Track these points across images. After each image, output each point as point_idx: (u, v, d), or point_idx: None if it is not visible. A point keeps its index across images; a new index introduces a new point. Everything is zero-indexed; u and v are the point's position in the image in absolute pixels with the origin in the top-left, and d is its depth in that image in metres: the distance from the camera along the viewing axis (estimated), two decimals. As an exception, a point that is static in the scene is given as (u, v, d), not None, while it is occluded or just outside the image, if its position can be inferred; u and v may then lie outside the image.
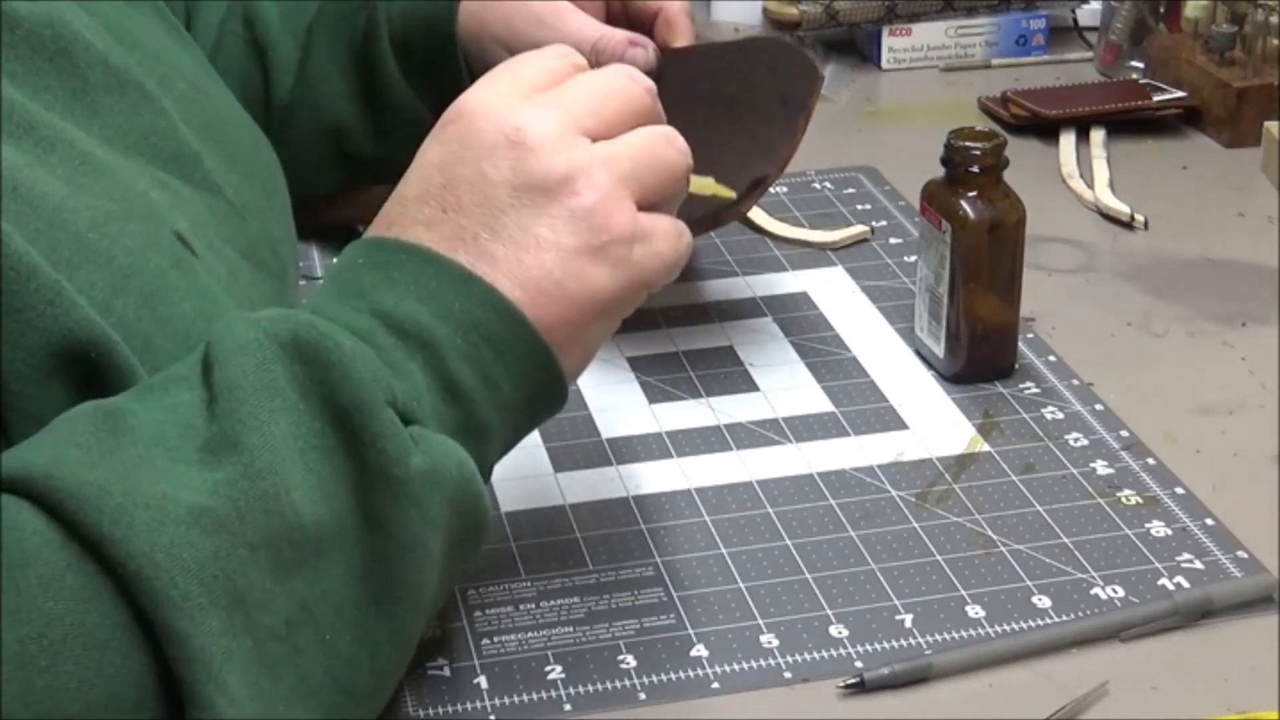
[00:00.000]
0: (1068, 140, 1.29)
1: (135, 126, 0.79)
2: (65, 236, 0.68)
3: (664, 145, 0.75)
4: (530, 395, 0.72)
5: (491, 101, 0.73)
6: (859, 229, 1.15)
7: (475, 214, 0.71)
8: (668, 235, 0.74)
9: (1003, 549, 0.83)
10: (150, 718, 0.59)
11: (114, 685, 0.59)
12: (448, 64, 1.05)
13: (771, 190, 1.22)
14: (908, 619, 0.79)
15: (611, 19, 1.05)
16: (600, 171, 0.72)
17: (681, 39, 1.04)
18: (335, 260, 0.74)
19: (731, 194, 0.86)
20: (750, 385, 0.98)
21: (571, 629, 0.78)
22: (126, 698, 0.59)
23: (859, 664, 0.76)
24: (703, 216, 0.95)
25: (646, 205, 0.73)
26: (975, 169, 0.94)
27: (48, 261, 0.66)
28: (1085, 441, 0.92)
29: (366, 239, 0.73)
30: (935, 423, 0.94)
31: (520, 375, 0.71)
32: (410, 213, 0.72)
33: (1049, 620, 0.78)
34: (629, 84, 0.75)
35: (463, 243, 0.71)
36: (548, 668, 0.76)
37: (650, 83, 0.76)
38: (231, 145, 0.89)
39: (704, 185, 0.81)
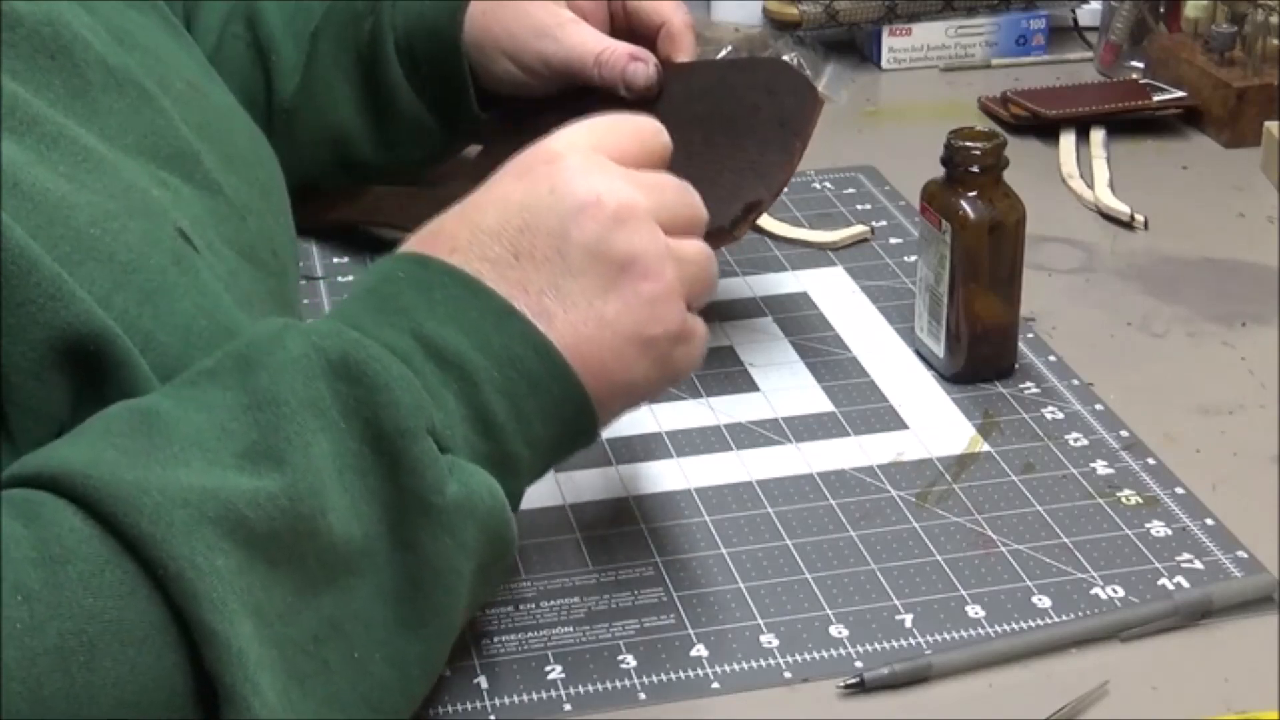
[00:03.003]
0: (1068, 140, 1.29)
1: (135, 125, 0.79)
2: (66, 232, 0.69)
3: (711, 259, 0.76)
4: (560, 432, 0.72)
5: (591, 160, 0.73)
6: (859, 229, 1.15)
7: (545, 269, 0.71)
8: (702, 340, 0.76)
9: (1003, 549, 0.83)
10: (183, 717, 0.60)
11: (150, 682, 0.59)
12: (452, 72, 1.05)
13: (771, 190, 1.22)
14: (908, 619, 0.79)
15: (615, 31, 1.05)
16: (670, 266, 0.73)
17: (684, 54, 1.04)
18: (372, 265, 0.73)
19: None
20: (750, 385, 0.98)
21: (571, 629, 0.78)
22: (161, 696, 0.59)
23: (859, 664, 0.76)
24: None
25: (689, 308, 0.75)
26: (975, 169, 0.94)
27: (50, 256, 0.67)
28: (1085, 441, 0.92)
29: (412, 253, 0.73)
30: (935, 423, 0.94)
31: (553, 413, 0.71)
32: (481, 245, 0.72)
33: (1049, 620, 0.78)
34: (696, 200, 0.76)
35: (525, 294, 0.71)
36: (548, 668, 0.76)
37: (702, 209, 0.77)
38: (230, 145, 0.89)
39: None
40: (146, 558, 0.59)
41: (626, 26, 1.05)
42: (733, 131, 0.99)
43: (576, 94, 1.02)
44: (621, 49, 1.01)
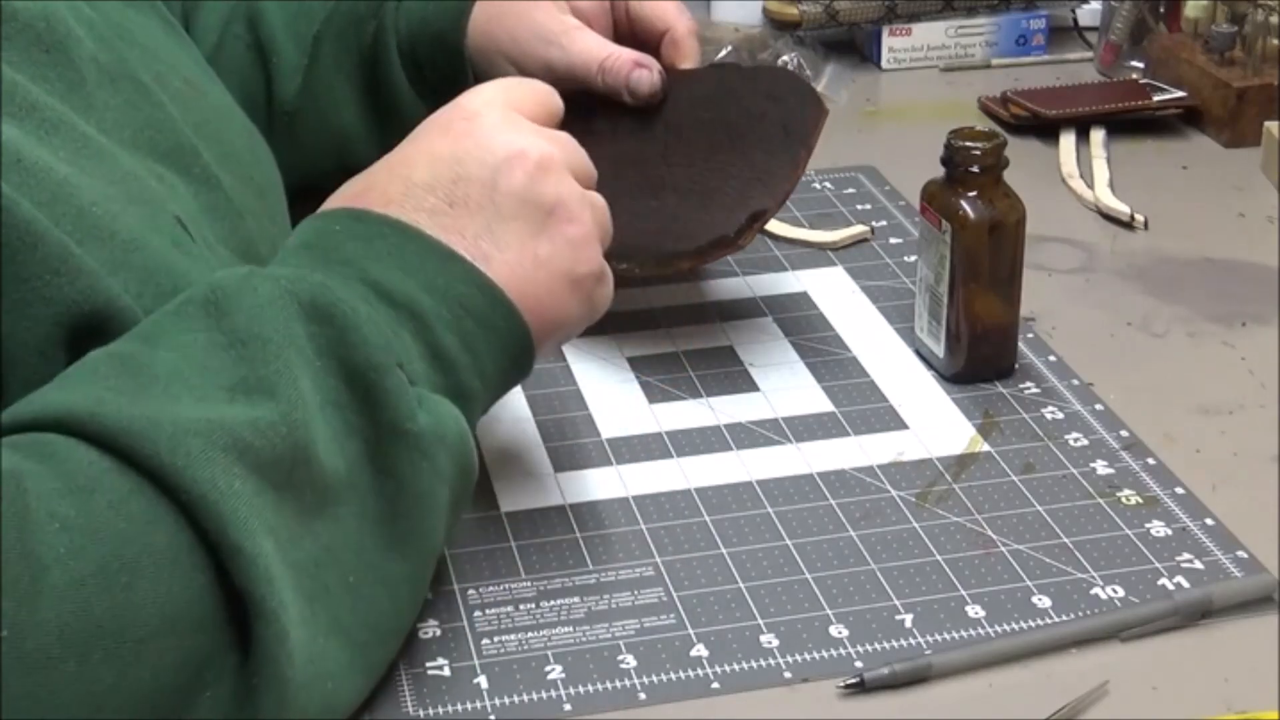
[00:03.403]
0: (1068, 140, 1.29)
1: (132, 120, 0.80)
2: (68, 209, 0.70)
3: (606, 210, 0.82)
4: (507, 366, 0.77)
5: (509, 116, 0.79)
6: (859, 229, 1.15)
7: (479, 215, 0.76)
8: (612, 282, 0.81)
9: (1003, 549, 0.83)
10: (219, 632, 0.63)
11: (187, 601, 0.62)
12: (455, 76, 1.05)
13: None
14: (908, 619, 0.79)
15: (619, 38, 1.05)
16: (588, 211, 0.79)
17: (687, 60, 1.04)
18: (301, 224, 0.76)
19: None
20: (750, 385, 0.98)
21: (571, 629, 0.78)
22: (198, 613, 0.62)
23: (859, 664, 0.76)
24: (697, 249, 0.95)
25: None
26: (975, 169, 0.94)
27: (55, 231, 0.68)
28: (1085, 441, 0.92)
29: (343, 209, 0.77)
30: (935, 423, 0.94)
31: (499, 348, 0.76)
32: (415, 198, 0.76)
33: (1049, 620, 0.78)
34: (586, 156, 0.82)
35: (462, 238, 0.76)
36: (548, 668, 0.76)
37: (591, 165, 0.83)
38: (227, 144, 0.89)
39: None
40: (169, 485, 0.62)
41: (630, 32, 1.05)
42: (738, 139, 0.99)
43: (579, 98, 1.02)
44: (625, 55, 1.02)
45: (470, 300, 0.75)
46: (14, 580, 0.58)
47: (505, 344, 0.76)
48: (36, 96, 0.73)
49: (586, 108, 1.01)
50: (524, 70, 1.04)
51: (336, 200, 0.78)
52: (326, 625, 0.67)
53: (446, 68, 1.05)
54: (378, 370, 0.70)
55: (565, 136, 0.81)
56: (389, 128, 1.09)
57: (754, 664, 0.76)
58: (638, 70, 1.01)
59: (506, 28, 1.04)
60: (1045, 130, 1.30)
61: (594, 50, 1.02)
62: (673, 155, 1.00)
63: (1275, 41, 1.28)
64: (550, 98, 0.83)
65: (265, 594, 0.63)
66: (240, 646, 0.64)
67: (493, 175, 0.77)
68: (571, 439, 0.93)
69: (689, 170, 0.99)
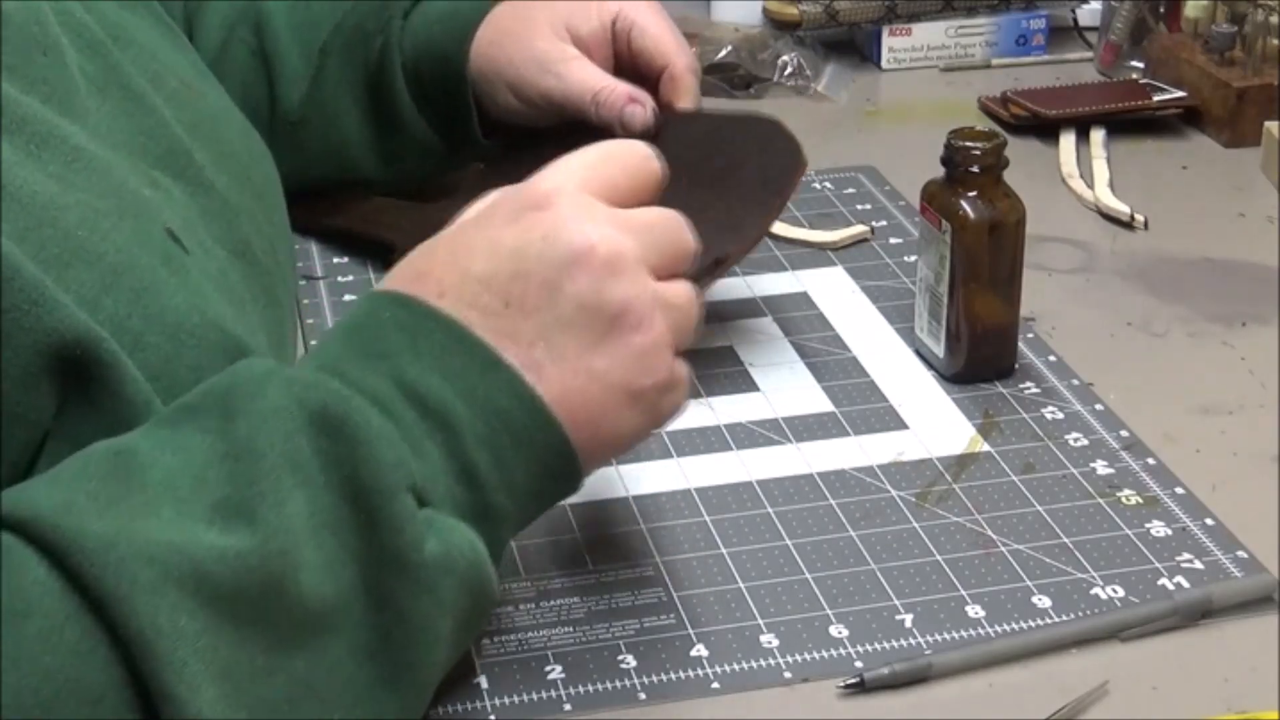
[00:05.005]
0: (1068, 140, 1.29)
1: (123, 126, 0.80)
2: (54, 234, 0.68)
3: (695, 302, 0.75)
4: (543, 485, 0.71)
5: (582, 205, 0.72)
6: (859, 229, 1.15)
7: (535, 319, 0.70)
8: (686, 386, 0.74)
9: (1003, 549, 0.83)
10: None
11: None
12: (457, 99, 1.05)
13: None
14: (908, 619, 0.79)
15: (619, 69, 1.05)
16: (660, 316, 0.72)
17: (684, 99, 1.04)
18: (356, 302, 0.73)
19: None
20: (750, 385, 0.98)
21: (571, 629, 0.78)
22: None
23: (859, 664, 0.76)
24: None
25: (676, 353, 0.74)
26: (975, 169, 0.94)
27: (35, 260, 0.66)
28: (1085, 441, 0.92)
29: (397, 294, 0.71)
30: (935, 423, 0.94)
31: (536, 466, 0.70)
32: (470, 292, 0.70)
33: (1049, 620, 0.78)
34: (687, 235, 0.75)
35: (514, 344, 0.70)
36: (548, 668, 0.76)
37: (692, 243, 0.75)
38: (223, 144, 0.89)
39: None
40: (108, 616, 0.59)
41: (631, 65, 1.05)
42: (716, 184, 0.99)
43: (573, 128, 1.03)
44: (621, 89, 1.02)
45: (511, 414, 0.69)
46: None
47: (544, 460, 0.70)
48: (27, 109, 0.72)
49: (579, 137, 1.02)
50: (523, 97, 1.04)
51: (393, 280, 0.73)
52: None
53: (448, 90, 1.06)
54: (384, 493, 0.65)
55: (652, 219, 0.73)
56: (391, 142, 1.10)
57: (754, 664, 0.76)
58: (631, 105, 1.01)
59: (507, 53, 1.04)
60: (1045, 130, 1.30)
61: (590, 81, 1.02)
62: None
63: (1275, 41, 1.28)
64: (646, 164, 0.75)
65: None
66: None
67: (555, 275, 0.70)
68: (571, 439, 0.93)
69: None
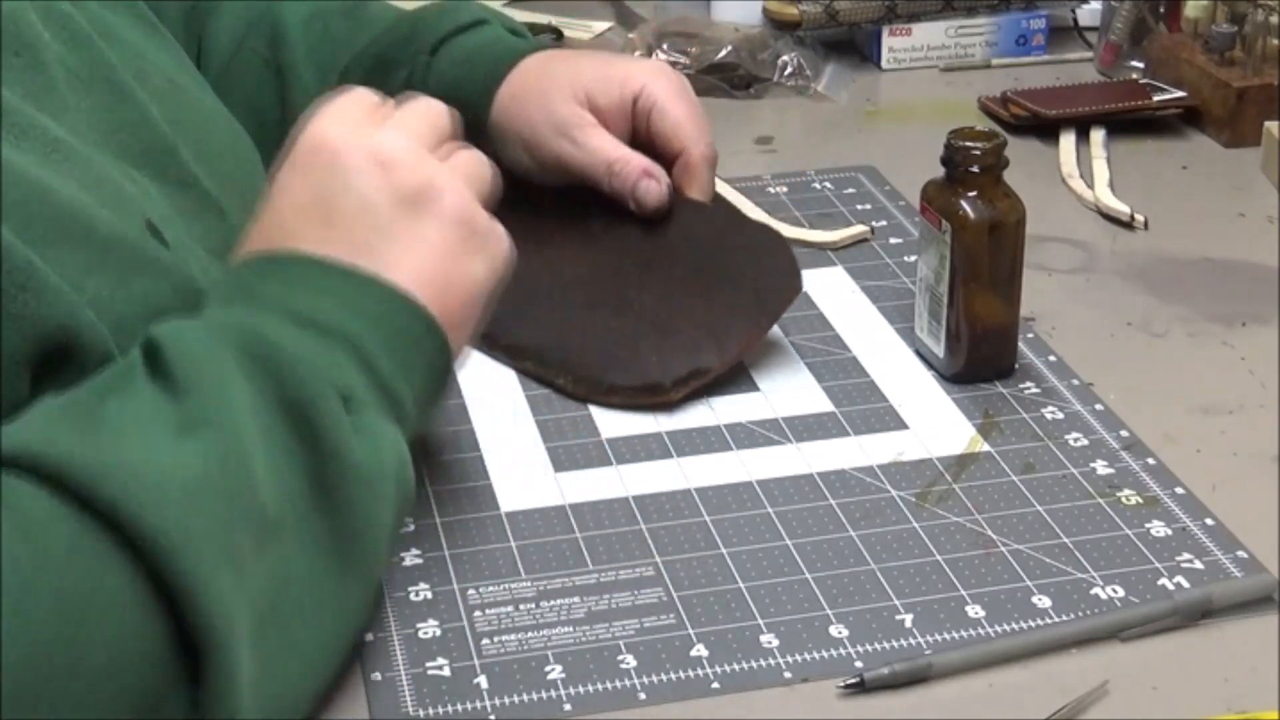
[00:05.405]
0: (1068, 140, 1.29)
1: (103, 122, 0.80)
2: (42, 211, 0.70)
3: (481, 162, 0.84)
4: (434, 384, 0.78)
5: (344, 133, 0.79)
6: (859, 229, 1.15)
7: (360, 225, 0.77)
8: (503, 232, 0.82)
9: (1003, 549, 0.83)
10: (172, 668, 0.63)
11: (140, 639, 0.62)
12: (474, 144, 1.05)
13: (771, 190, 1.22)
14: (908, 619, 0.79)
15: (636, 146, 1.04)
16: (455, 178, 0.80)
17: (696, 189, 1.03)
18: (213, 284, 0.77)
19: None
20: (750, 385, 0.98)
21: (571, 629, 0.78)
22: (151, 650, 0.62)
23: (859, 664, 0.76)
24: (631, 388, 0.95)
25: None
26: (975, 169, 0.94)
27: (21, 239, 0.68)
28: (1085, 441, 0.92)
29: (247, 257, 0.77)
30: (935, 423, 0.94)
31: (428, 365, 0.77)
32: (295, 230, 0.77)
33: (1049, 620, 0.78)
34: (439, 109, 0.84)
35: (356, 250, 0.77)
36: (548, 668, 0.76)
37: (448, 110, 0.84)
38: (209, 142, 0.89)
39: None
40: (120, 526, 0.62)
41: (648, 145, 1.04)
42: (710, 286, 0.99)
43: (585, 193, 1.03)
44: (636, 163, 1.01)
45: (396, 320, 0.76)
46: None
47: (433, 361, 0.77)
48: (8, 100, 0.73)
49: (590, 203, 1.02)
50: (537, 158, 1.04)
51: (232, 261, 0.79)
52: (281, 648, 0.67)
53: (467, 135, 1.05)
54: (314, 402, 0.70)
55: (403, 115, 0.82)
56: None
57: (754, 664, 0.76)
58: (646, 180, 1.01)
59: (526, 112, 1.04)
60: (1045, 130, 1.30)
61: (606, 151, 1.02)
62: (649, 280, 1.00)
63: (1275, 41, 1.28)
64: (366, 94, 0.83)
65: (218, 629, 0.63)
66: (193, 680, 0.64)
67: (354, 189, 0.78)
68: (571, 439, 0.93)
69: (658, 301, 0.99)
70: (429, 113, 0.83)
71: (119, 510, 0.62)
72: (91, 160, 0.76)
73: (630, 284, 1.00)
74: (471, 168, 0.82)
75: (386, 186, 0.78)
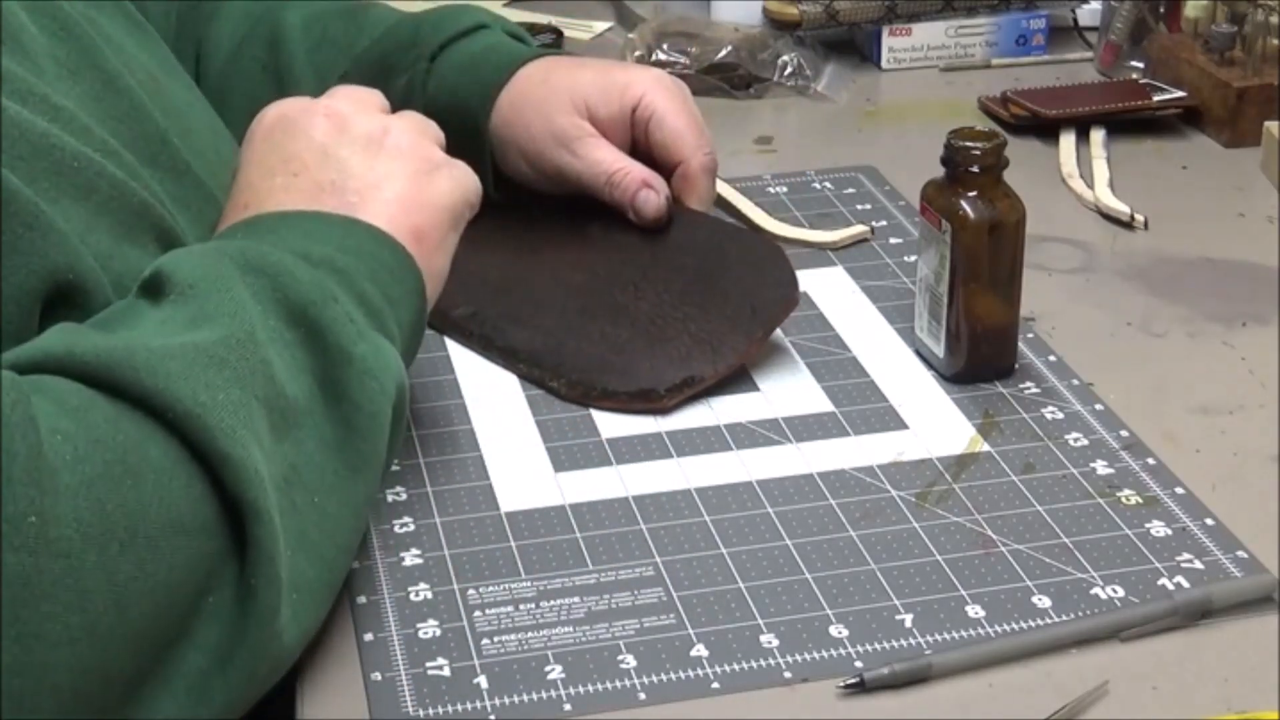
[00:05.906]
0: (1068, 140, 1.29)
1: (94, 111, 0.81)
2: (48, 165, 0.72)
3: (426, 119, 0.88)
4: (415, 315, 0.82)
5: (297, 104, 0.86)
6: (859, 229, 1.15)
7: (324, 168, 0.83)
8: (466, 166, 0.87)
9: (1003, 549, 0.83)
10: (222, 538, 0.67)
11: (190, 505, 0.65)
12: (474, 155, 1.05)
13: (771, 190, 1.22)
14: (908, 619, 0.79)
15: (635, 155, 1.04)
16: (403, 123, 0.86)
17: (695, 199, 1.04)
18: (203, 251, 0.78)
19: None
20: (750, 385, 0.98)
21: (571, 629, 0.78)
22: (201, 517, 0.66)
23: (859, 664, 0.76)
24: (625, 393, 0.95)
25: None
26: (975, 169, 0.94)
27: (29, 190, 0.70)
28: (1085, 441, 0.92)
29: (231, 225, 0.81)
30: (935, 423, 0.94)
31: (408, 294, 0.81)
32: (262, 190, 0.82)
33: (1049, 620, 0.78)
34: (375, 92, 0.89)
35: (323, 193, 0.82)
36: (548, 668, 0.76)
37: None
38: (193, 137, 0.90)
39: None
40: (154, 406, 0.65)
41: (647, 154, 1.05)
42: (707, 297, 0.99)
43: (586, 202, 1.03)
44: (635, 174, 1.02)
45: (378, 254, 0.80)
46: (32, 475, 0.60)
47: (412, 290, 0.81)
48: (8, 68, 0.74)
49: (589, 211, 1.03)
50: (537, 168, 1.05)
51: (215, 233, 0.83)
52: (295, 539, 0.70)
53: (467, 144, 1.05)
54: (316, 305, 0.74)
55: (338, 98, 0.87)
56: None
57: (754, 664, 0.76)
58: (645, 191, 1.02)
59: (526, 121, 1.04)
60: (1045, 130, 1.30)
61: (606, 162, 1.03)
62: (644, 287, 1.00)
63: (1275, 41, 1.28)
64: (309, 99, 0.88)
65: (257, 496, 0.66)
66: (239, 554, 0.67)
67: (311, 140, 0.83)
68: (571, 439, 0.93)
69: (653, 308, 0.99)
70: (369, 92, 0.89)
71: (147, 391, 0.65)
72: (91, 129, 0.77)
73: (627, 292, 1.00)
74: (418, 120, 0.88)
75: (344, 135, 0.84)
